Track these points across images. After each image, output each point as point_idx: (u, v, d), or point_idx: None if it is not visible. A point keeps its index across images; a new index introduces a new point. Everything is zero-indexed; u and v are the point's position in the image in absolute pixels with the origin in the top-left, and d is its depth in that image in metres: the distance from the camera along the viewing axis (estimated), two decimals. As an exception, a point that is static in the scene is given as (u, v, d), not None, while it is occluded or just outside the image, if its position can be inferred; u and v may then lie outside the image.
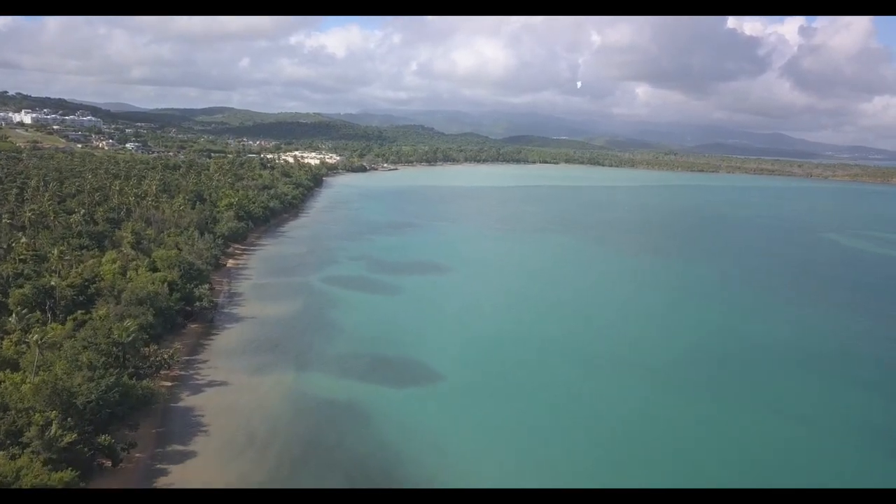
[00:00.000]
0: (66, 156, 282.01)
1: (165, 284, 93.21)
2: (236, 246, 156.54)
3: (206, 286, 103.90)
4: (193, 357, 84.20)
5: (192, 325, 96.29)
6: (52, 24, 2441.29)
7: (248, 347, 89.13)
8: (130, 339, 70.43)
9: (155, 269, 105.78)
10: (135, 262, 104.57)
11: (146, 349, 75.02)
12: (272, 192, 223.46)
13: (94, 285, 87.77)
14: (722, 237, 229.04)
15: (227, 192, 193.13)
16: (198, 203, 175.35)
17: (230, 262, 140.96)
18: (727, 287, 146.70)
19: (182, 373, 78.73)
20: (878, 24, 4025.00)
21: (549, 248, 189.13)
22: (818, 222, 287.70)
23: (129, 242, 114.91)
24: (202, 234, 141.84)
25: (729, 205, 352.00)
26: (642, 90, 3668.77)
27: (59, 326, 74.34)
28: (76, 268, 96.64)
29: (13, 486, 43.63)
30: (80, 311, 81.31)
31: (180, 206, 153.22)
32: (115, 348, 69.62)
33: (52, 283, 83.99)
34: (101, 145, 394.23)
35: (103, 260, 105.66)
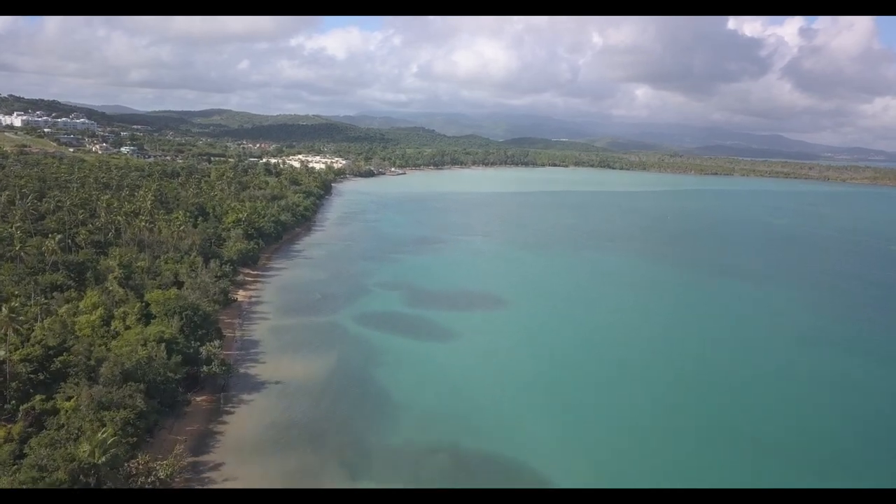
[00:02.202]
0: (54, 161, 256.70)
1: (163, 345, 68.71)
2: (247, 272, 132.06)
3: (217, 343, 79.30)
4: (200, 458, 59.51)
5: (198, 398, 71.77)
6: (51, 26, 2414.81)
7: (274, 438, 64.46)
8: (106, 457, 46.00)
9: (148, 317, 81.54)
10: (122, 309, 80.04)
11: (131, 464, 50.58)
12: (282, 203, 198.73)
13: (61, 357, 62.81)
14: (788, 254, 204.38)
15: (232, 205, 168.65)
16: (200, 219, 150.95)
17: (241, 294, 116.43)
18: (846, 326, 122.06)
19: (184, 488, 54.19)
20: (880, 25, 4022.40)
21: (607, 270, 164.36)
22: (877, 232, 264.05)
23: (115, 278, 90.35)
24: (206, 260, 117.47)
25: (769, 212, 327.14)
26: (642, 91, 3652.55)
27: (2, 430, 49.92)
28: (43, 322, 72.09)
29: None
30: (39, 398, 56.85)
31: (180, 224, 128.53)
32: (82, 476, 45.20)
33: (2, 353, 59.42)
34: (94, 149, 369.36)
35: (81, 305, 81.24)
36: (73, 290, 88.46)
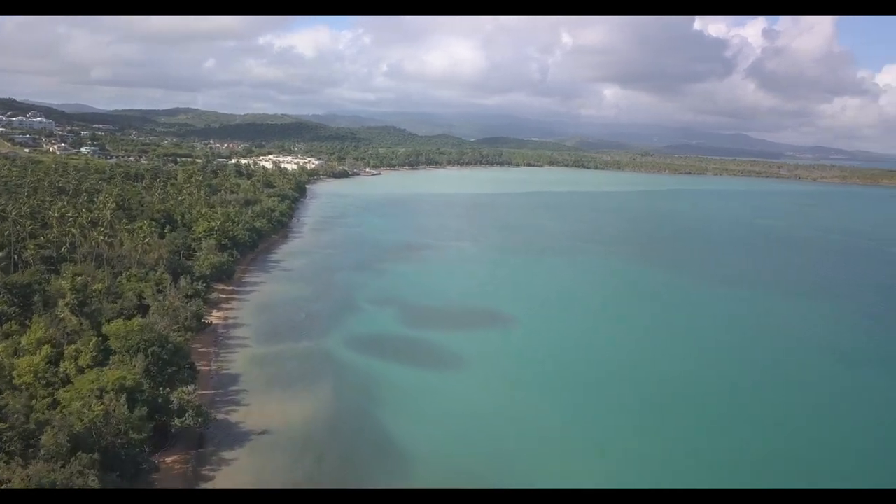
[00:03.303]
0: (5, 162, 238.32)
1: (123, 396, 55.29)
2: (221, 288, 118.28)
3: (191, 388, 66.12)
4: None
5: (169, 459, 58.48)
6: (9, 23, 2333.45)
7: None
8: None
9: (107, 353, 68.00)
10: (74, 347, 66.24)
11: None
12: (257, 208, 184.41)
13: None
14: (790, 258, 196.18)
15: (203, 212, 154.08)
16: (167, 227, 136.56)
17: (215, 316, 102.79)
18: (859, 334, 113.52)
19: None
20: (839, 27, 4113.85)
21: (607, 277, 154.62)
22: (869, 234, 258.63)
23: (67, 305, 76.38)
24: (176, 276, 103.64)
25: (756, 213, 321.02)
26: (610, 91, 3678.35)
27: None
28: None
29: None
30: (-44, 483, 43.24)
31: (144, 236, 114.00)
32: None
33: None
34: (51, 149, 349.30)
35: (23, 341, 67.23)
36: (14, 321, 74.25)
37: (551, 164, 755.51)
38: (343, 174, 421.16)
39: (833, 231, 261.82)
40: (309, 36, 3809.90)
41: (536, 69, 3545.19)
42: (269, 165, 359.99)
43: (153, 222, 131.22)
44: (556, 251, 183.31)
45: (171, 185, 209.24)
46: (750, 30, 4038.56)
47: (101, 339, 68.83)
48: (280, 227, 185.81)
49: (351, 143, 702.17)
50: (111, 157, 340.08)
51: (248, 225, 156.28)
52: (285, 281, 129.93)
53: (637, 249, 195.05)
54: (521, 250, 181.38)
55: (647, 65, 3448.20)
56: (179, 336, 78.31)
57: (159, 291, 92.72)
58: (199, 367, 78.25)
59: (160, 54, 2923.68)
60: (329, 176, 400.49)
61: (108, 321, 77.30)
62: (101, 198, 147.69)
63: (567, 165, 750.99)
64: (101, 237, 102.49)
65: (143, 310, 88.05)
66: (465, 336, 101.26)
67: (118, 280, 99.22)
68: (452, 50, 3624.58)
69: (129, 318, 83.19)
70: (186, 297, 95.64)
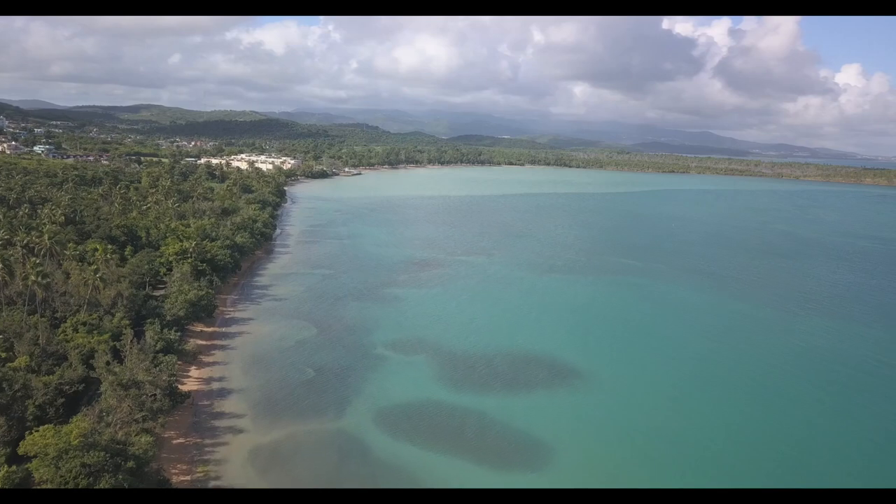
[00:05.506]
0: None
1: None
2: (200, 329, 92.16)
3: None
4: None
5: None
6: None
7: None
8: None
9: (26, 480, 42.00)
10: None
11: None
12: (237, 218, 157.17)
13: None
14: (856, 277, 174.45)
15: (173, 226, 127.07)
16: (128, 248, 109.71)
17: (194, 377, 76.68)
18: None
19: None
20: (804, 27, 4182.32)
21: (668, 302, 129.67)
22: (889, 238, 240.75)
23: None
24: (140, 323, 77.53)
25: (771, 217, 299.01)
26: (580, 89, 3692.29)
27: None
28: None
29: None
30: None
31: (96, 269, 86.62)
32: None
33: None
34: (0, 148, 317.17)
35: None
36: None
37: (532, 162, 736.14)
38: (322, 174, 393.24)
39: (860, 237, 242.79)
40: (277, 32, 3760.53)
41: (507, 67, 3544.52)
42: (243, 166, 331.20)
43: (110, 243, 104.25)
44: (588, 268, 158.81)
45: (134, 190, 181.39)
46: (716, 29, 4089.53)
47: (14, 468, 42.78)
48: (263, 240, 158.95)
49: (324, 141, 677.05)
50: (67, 157, 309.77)
51: (228, 241, 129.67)
52: (279, 317, 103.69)
53: (674, 263, 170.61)
54: (543, 266, 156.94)
55: (616, 63, 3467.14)
56: (144, 434, 52.57)
57: (116, 356, 66.32)
58: (174, 480, 52.79)
59: (123, 49, 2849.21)
60: (307, 176, 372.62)
61: (38, 407, 51.47)
62: (45, 210, 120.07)
63: (548, 164, 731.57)
64: (35, 276, 75.03)
65: (92, 387, 61.92)
66: (529, 402, 76.54)
67: (61, 329, 72.89)
68: (423, 47, 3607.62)
69: (72, 396, 57.58)
70: (153, 353, 69.73)
